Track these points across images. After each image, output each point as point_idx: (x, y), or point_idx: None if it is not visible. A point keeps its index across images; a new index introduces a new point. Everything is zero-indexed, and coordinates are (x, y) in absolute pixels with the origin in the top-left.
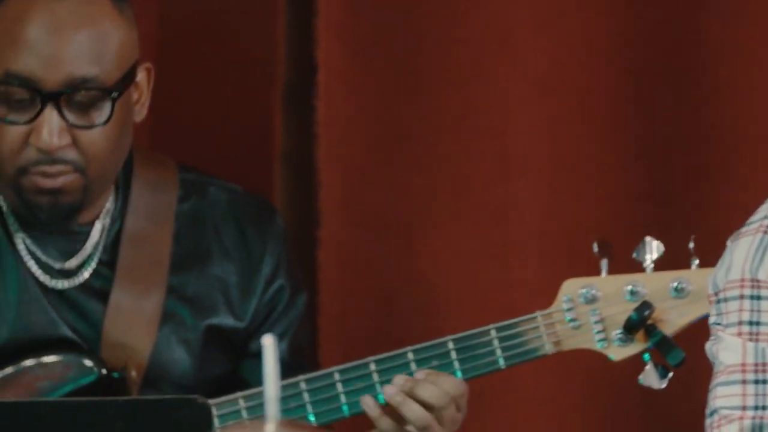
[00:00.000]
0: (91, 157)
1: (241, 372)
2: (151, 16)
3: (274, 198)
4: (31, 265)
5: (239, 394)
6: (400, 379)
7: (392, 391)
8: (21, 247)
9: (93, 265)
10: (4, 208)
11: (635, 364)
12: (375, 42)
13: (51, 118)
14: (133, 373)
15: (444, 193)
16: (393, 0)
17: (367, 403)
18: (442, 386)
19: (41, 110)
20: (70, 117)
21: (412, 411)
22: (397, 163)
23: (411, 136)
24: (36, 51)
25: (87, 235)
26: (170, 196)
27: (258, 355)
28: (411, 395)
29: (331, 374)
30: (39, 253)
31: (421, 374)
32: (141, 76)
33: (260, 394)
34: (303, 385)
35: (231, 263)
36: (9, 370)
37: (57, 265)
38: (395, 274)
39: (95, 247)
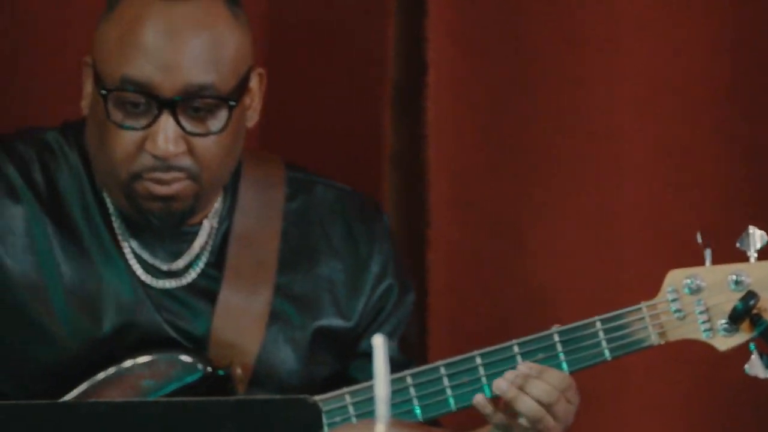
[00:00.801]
0: (205, 165)
1: (350, 372)
2: (262, 18)
3: (384, 198)
4: (137, 267)
5: (345, 390)
6: (510, 374)
7: (505, 385)
8: (127, 249)
9: (201, 265)
10: (111, 211)
11: (742, 353)
12: (484, 42)
13: (167, 125)
14: (239, 371)
15: (552, 191)
16: (503, 0)
17: (479, 402)
18: (550, 381)
19: (157, 117)
20: (186, 124)
21: (526, 405)
22: (506, 163)
23: (520, 136)
24: (154, 57)
25: (195, 235)
26: (278, 195)
27: (367, 355)
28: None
29: (437, 368)
30: (146, 255)
31: (524, 367)
32: (254, 81)
33: (366, 390)
34: (409, 380)
35: (338, 262)
36: (112, 369)
37: (164, 266)
38: (504, 273)
39: (203, 248)
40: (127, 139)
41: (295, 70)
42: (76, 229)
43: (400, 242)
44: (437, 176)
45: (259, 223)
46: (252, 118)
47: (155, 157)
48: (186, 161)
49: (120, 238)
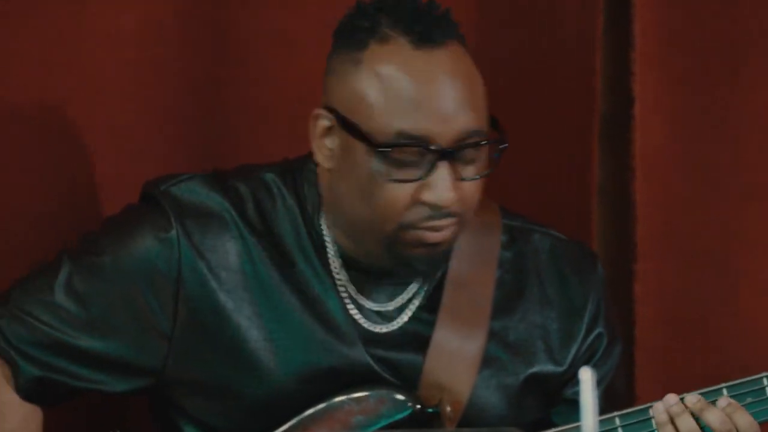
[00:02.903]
0: (468, 206)
1: (551, 417)
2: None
3: (590, 231)
4: (352, 308)
5: (552, 430)
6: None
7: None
8: (344, 291)
9: (413, 308)
10: (331, 253)
11: None
12: (691, 73)
13: (445, 174)
14: (448, 409)
15: (764, 222)
16: (709, 32)
17: None
18: (734, 419)
19: (435, 167)
20: (461, 171)
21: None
22: (714, 194)
23: (728, 167)
24: (426, 108)
25: (410, 279)
26: (494, 241)
27: (572, 402)
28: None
29: (646, 410)
30: (361, 298)
31: (723, 401)
32: None
33: (573, 430)
34: (618, 421)
35: (552, 310)
36: (321, 405)
37: (377, 308)
38: (714, 307)
39: (416, 292)
40: (399, 192)
41: (501, 104)
42: (291, 268)
43: (607, 275)
44: (644, 208)
45: (475, 268)
46: None
47: (435, 206)
48: (457, 206)
49: (337, 279)
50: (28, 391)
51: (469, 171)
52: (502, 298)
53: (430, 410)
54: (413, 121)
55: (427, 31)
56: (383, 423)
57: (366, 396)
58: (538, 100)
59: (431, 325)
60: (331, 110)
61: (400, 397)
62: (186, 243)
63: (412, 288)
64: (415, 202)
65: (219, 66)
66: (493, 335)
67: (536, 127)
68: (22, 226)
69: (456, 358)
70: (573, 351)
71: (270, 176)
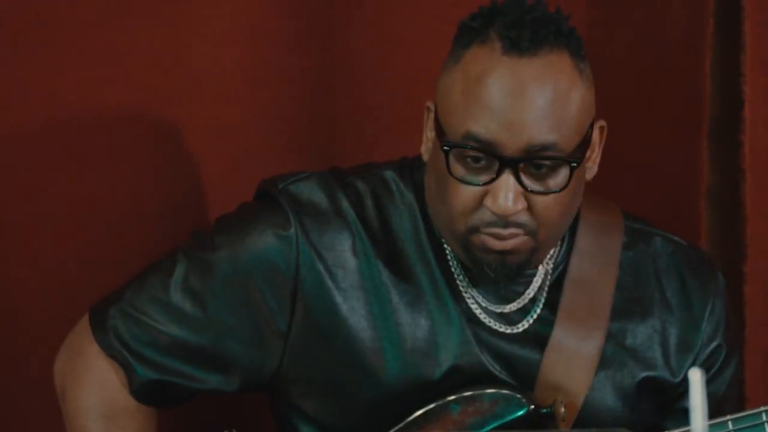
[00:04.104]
0: (543, 222)
1: (666, 424)
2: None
3: (700, 232)
4: (471, 309)
5: None
6: None
7: None
8: (463, 291)
9: (536, 310)
10: (448, 253)
11: None
12: None
13: (508, 183)
14: (562, 409)
15: None
16: None
17: None
18: None
19: (499, 174)
20: (527, 183)
21: None
22: None
23: None
24: (498, 115)
25: (530, 279)
26: (615, 242)
27: (684, 412)
28: None
29: (759, 414)
30: (480, 299)
31: None
32: (595, 133)
33: None
34: (730, 425)
35: (671, 316)
36: (434, 405)
37: (497, 310)
38: None
39: (537, 292)
40: (467, 194)
41: (610, 106)
42: (408, 268)
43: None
44: (754, 210)
45: (595, 268)
46: (591, 170)
47: (495, 214)
48: (524, 218)
49: (456, 280)
50: (144, 395)
51: (539, 185)
52: (621, 300)
53: (544, 411)
54: (482, 125)
55: (520, 38)
56: (497, 423)
57: (480, 395)
58: (648, 102)
59: (549, 324)
60: (434, 102)
61: (514, 396)
62: (304, 241)
63: (533, 289)
64: (480, 205)
65: (327, 66)
66: (611, 336)
67: (646, 130)
68: (132, 227)
69: (573, 358)
70: (689, 361)
71: (389, 173)
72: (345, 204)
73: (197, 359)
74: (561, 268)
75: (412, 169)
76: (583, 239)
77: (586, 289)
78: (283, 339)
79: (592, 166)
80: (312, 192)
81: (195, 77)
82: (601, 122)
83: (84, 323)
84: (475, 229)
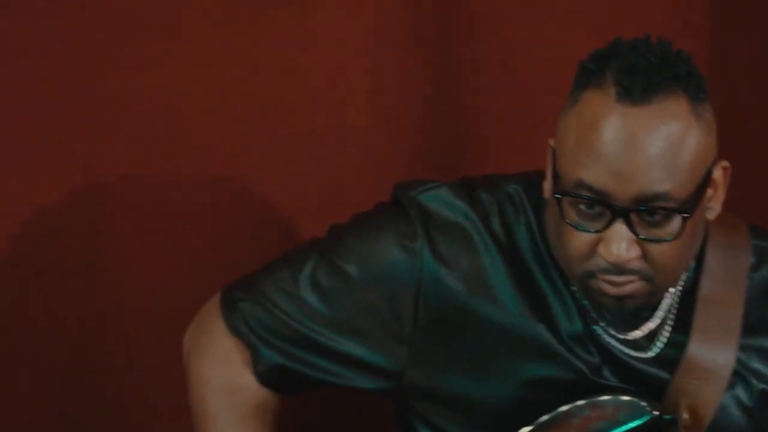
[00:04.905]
0: (659, 268)
1: None
2: (701, 58)
3: None
4: (600, 333)
5: None
6: None
7: None
8: (586, 311)
9: (666, 334)
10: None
11: None
12: None
13: (620, 232)
14: (685, 416)
15: None
16: None
17: None
18: None
19: (611, 223)
20: (640, 231)
21: None
22: None
23: None
24: (609, 164)
25: (657, 304)
26: (743, 262)
27: None
28: None
29: None
30: (603, 321)
31: None
32: (717, 174)
33: None
34: None
35: None
36: (558, 411)
37: (624, 336)
38: None
39: (663, 318)
40: (581, 240)
41: (739, 116)
42: (535, 283)
43: None
44: None
45: (724, 288)
46: (713, 210)
47: (608, 262)
48: (639, 264)
49: (579, 296)
50: (267, 378)
51: (653, 233)
52: (750, 319)
53: (668, 417)
54: (594, 173)
55: (633, 85)
56: (621, 429)
57: (605, 401)
58: None
59: (680, 346)
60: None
61: (638, 403)
62: (430, 252)
63: (660, 314)
64: (594, 252)
65: (450, 73)
66: (741, 354)
67: None
68: (256, 233)
69: (704, 378)
70: None
71: (515, 188)
72: (473, 216)
73: (322, 352)
74: (690, 288)
75: (537, 185)
76: (712, 261)
77: (717, 309)
78: (407, 346)
79: (714, 207)
80: (441, 202)
81: (319, 84)
82: (724, 163)
83: (214, 304)
84: (591, 275)
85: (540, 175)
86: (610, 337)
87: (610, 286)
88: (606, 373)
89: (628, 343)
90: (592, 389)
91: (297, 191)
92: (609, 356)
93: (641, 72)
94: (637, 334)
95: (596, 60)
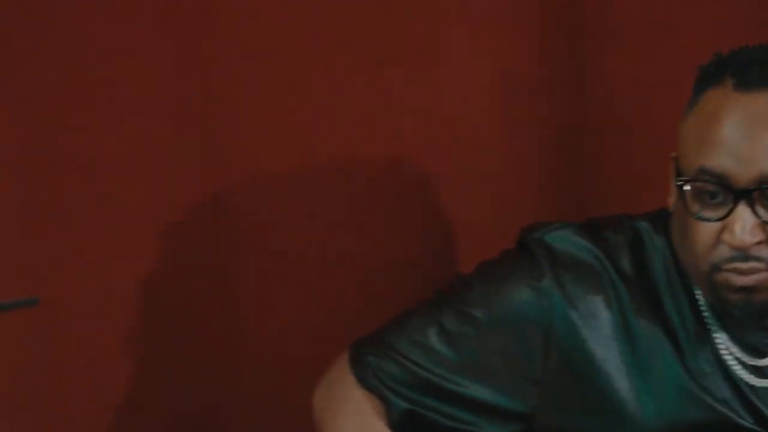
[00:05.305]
0: None
1: None
2: None
3: None
4: (728, 360)
5: None
6: None
7: None
8: (719, 342)
9: None
10: (701, 301)
11: None
12: None
13: (744, 215)
14: None
15: None
16: None
17: None
18: None
19: (734, 207)
20: (763, 214)
21: None
22: None
23: None
24: (729, 149)
25: None
26: None
27: None
28: None
29: None
30: (734, 349)
31: None
32: None
33: None
34: None
35: None
36: None
37: (750, 362)
38: None
39: None
40: (705, 231)
41: None
42: (665, 317)
43: None
44: None
45: None
46: None
47: (733, 247)
48: (764, 251)
49: (710, 329)
50: (400, 426)
51: None
52: None
53: None
54: (714, 159)
55: (749, 74)
56: None
57: None
58: None
59: None
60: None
61: None
62: (558, 292)
63: None
64: (718, 241)
65: (578, 113)
66: None
67: None
68: (388, 275)
69: None
70: None
71: (642, 224)
72: (600, 255)
73: (452, 400)
74: None
75: (665, 218)
76: None
77: None
78: (538, 387)
79: None
80: (566, 242)
81: (449, 126)
82: None
83: (342, 359)
84: (717, 268)
85: (665, 213)
86: (737, 365)
87: (736, 275)
88: (734, 408)
89: (754, 370)
90: (718, 429)
91: (427, 236)
92: (734, 385)
93: (756, 63)
94: (765, 361)
95: (715, 63)
